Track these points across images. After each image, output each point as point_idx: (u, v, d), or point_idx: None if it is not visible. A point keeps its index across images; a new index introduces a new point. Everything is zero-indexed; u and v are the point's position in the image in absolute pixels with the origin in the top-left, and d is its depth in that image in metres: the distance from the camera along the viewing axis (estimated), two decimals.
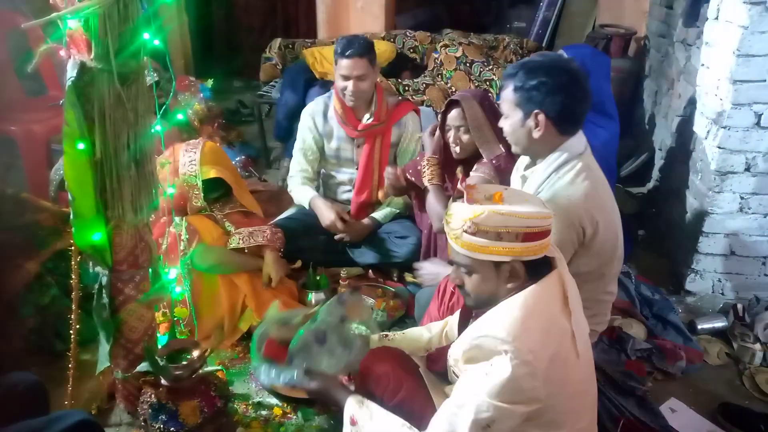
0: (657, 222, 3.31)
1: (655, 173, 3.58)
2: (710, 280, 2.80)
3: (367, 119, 2.79)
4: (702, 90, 2.80)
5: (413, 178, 2.57)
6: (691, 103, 2.93)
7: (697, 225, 2.75)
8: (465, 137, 2.32)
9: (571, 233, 1.75)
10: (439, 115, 2.44)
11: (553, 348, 1.34)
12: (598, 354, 2.27)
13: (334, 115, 2.85)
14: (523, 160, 1.97)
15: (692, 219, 2.82)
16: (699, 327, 2.57)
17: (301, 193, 2.90)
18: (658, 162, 3.56)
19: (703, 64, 2.80)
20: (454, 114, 2.33)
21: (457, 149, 2.35)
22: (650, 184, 3.63)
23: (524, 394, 1.31)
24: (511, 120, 1.81)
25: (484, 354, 1.33)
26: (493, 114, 2.26)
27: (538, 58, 1.80)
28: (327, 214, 2.76)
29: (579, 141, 1.82)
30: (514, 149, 1.91)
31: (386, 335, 1.91)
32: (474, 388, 1.34)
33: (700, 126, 2.79)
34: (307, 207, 2.87)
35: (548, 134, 1.76)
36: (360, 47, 2.63)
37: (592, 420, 1.54)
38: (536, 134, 1.77)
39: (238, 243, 2.43)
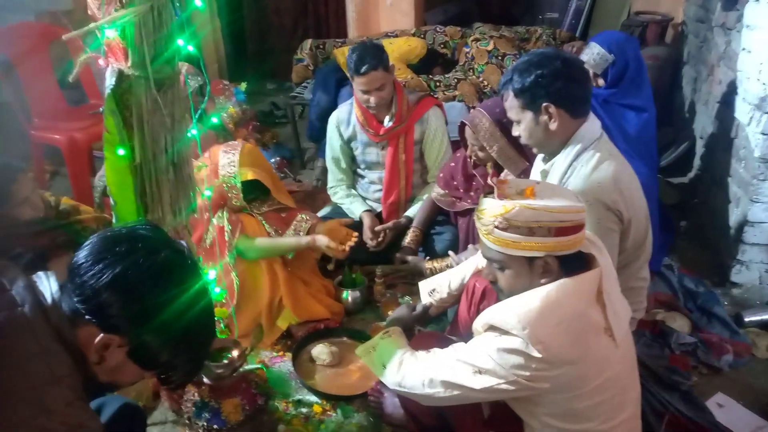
0: (699, 212, 3.23)
1: (697, 162, 3.49)
2: (757, 271, 2.71)
3: (387, 122, 2.79)
4: (743, 75, 2.71)
5: (443, 187, 2.68)
6: (733, 88, 2.84)
7: (742, 214, 2.67)
8: (481, 154, 2.37)
9: (611, 217, 1.75)
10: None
11: (573, 344, 1.34)
12: (641, 348, 2.23)
13: (357, 122, 2.86)
14: (541, 155, 1.96)
15: (736, 208, 2.74)
16: (746, 320, 2.49)
17: (351, 206, 2.97)
18: (699, 151, 3.46)
19: (744, 48, 2.71)
20: (468, 132, 2.38)
21: (475, 159, 2.43)
22: (691, 174, 3.54)
23: (523, 370, 1.34)
24: (524, 123, 1.82)
25: (499, 332, 1.39)
26: None
27: (524, 58, 1.82)
28: (364, 230, 2.82)
29: (593, 126, 1.82)
30: (536, 150, 1.93)
31: (434, 289, 2.03)
32: (482, 343, 1.43)
33: (742, 112, 2.70)
34: (357, 219, 2.91)
35: (564, 122, 1.78)
36: (373, 60, 2.61)
37: (634, 415, 1.52)
38: (553, 126, 1.77)
39: None
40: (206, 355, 1.33)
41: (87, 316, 1.08)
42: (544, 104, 1.75)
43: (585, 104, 1.82)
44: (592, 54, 2.63)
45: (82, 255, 1.11)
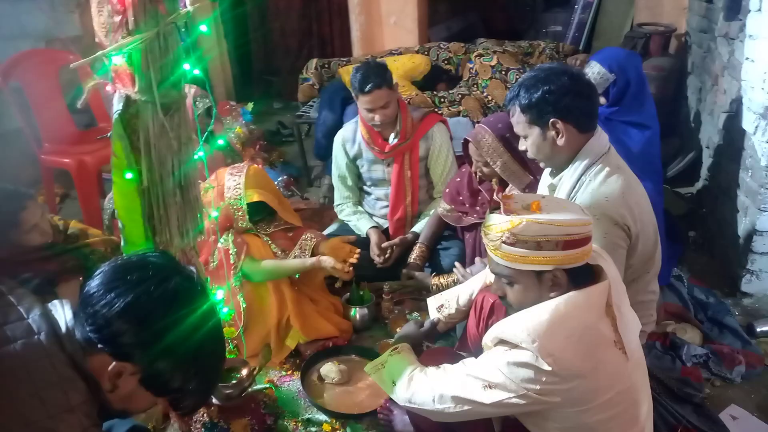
0: (708, 222, 3.21)
1: (704, 172, 3.48)
2: (767, 280, 2.69)
3: (393, 139, 2.81)
4: (748, 84, 2.71)
5: (450, 204, 2.68)
6: (737, 98, 2.84)
7: (750, 224, 2.65)
8: (485, 169, 2.38)
9: (618, 233, 1.74)
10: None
11: (583, 357, 1.33)
12: (652, 361, 2.21)
13: (362, 140, 2.89)
14: (549, 169, 1.96)
15: (744, 218, 2.73)
16: (758, 329, 2.46)
17: (358, 223, 2.99)
18: (706, 161, 3.45)
19: (747, 58, 2.72)
20: (472, 149, 2.39)
21: (480, 175, 2.44)
22: (699, 184, 3.53)
23: (534, 384, 1.33)
24: (531, 139, 1.82)
25: (509, 346, 1.39)
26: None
27: (530, 73, 1.82)
28: (371, 246, 2.84)
29: (600, 140, 1.82)
30: (543, 165, 1.93)
31: (442, 305, 2.02)
32: (492, 357, 1.42)
33: (747, 121, 2.70)
34: (364, 236, 2.93)
35: (571, 137, 1.77)
36: (377, 79, 2.64)
37: (647, 429, 1.50)
38: (561, 141, 1.77)
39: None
40: (217, 379, 1.34)
41: (100, 345, 1.09)
42: (552, 120, 1.75)
43: (592, 119, 1.82)
44: (593, 73, 2.60)
45: (93, 284, 1.12)
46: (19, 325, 1.10)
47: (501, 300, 1.55)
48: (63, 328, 1.11)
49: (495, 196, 1.46)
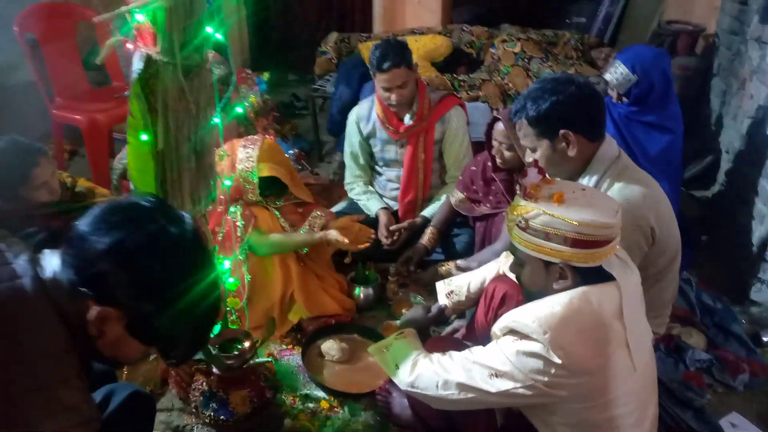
0: (721, 228, 3.17)
1: (721, 176, 3.43)
2: None
3: (408, 120, 2.76)
4: None
5: (463, 191, 2.65)
6: (765, 104, 2.78)
7: (766, 232, 2.62)
8: (507, 153, 2.34)
9: (638, 236, 1.72)
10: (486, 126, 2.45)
11: (594, 354, 1.33)
12: (655, 362, 2.19)
13: (377, 118, 2.84)
14: None
15: (760, 225, 2.69)
16: (764, 339, 2.44)
17: (368, 203, 2.97)
18: (725, 164, 3.40)
19: None
20: (499, 128, 2.33)
21: (499, 161, 2.39)
22: (715, 188, 3.48)
23: (542, 375, 1.33)
24: (540, 151, 1.79)
25: (519, 336, 1.39)
26: None
27: (536, 85, 1.79)
28: (379, 227, 2.83)
29: (610, 146, 1.80)
30: (554, 177, 1.87)
31: (452, 291, 2.01)
32: (501, 346, 1.41)
33: None
34: (373, 216, 2.91)
35: (582, 147, 1.75)
36: (395, 57, 2.59)
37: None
38: (572, 152, 1.75)
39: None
40: (208, 333, 1.29)
41: (83, 288, 1.05)
42: (562, 131, 1.72)
43: (602, 127, 1.80)
44: (616, 73, 2.58)
45: (80, 225, 1.08)
46: (4, 269, 1.07)
47: (517, 278, 1.55)
48: (49, 274, 1.07)
49: (520, 179, 1.47)
